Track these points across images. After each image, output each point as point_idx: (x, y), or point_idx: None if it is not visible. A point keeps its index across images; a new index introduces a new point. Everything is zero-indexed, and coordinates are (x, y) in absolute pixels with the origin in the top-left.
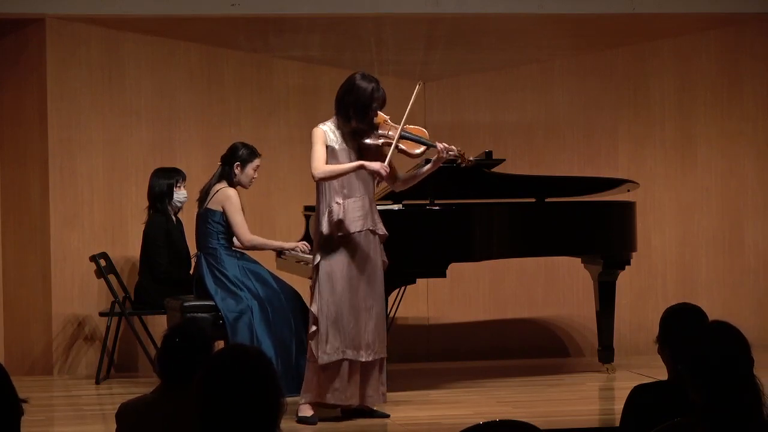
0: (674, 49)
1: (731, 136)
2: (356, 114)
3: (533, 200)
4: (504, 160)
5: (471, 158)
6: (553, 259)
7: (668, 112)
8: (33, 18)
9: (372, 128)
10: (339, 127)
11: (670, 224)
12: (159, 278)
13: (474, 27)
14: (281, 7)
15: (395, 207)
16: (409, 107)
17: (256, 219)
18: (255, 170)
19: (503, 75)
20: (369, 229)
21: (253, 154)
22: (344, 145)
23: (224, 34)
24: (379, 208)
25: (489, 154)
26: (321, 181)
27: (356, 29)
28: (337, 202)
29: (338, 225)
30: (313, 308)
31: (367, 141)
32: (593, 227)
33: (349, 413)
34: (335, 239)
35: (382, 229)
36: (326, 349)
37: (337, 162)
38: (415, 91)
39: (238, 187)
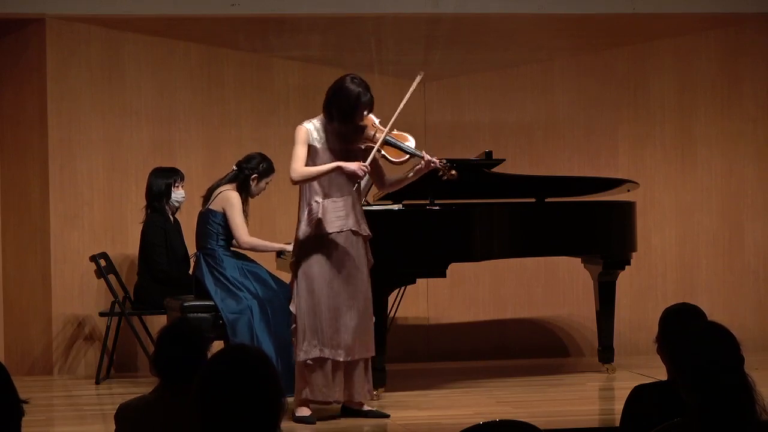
0: (674, 49)
1: (731, 136)
2: (341, 116)
3: (533, 200)
4: (504, 160)
5: (454, 172)
6: (553, 259)
7: (668, 112)
8: (33, 18)
9: (357, 131)
10: (324, 126)
11: (670, 224)
12: (158, 278)
13: (474, 27)
14: (281, 7)
15: (395, 207)
16: (405, 100)
17: (256, 219)
18: (267, 184)
19: (503, 75)
20: (351, 230)
21: (271, 169)
22: (327, 144)
23: (224, 34)
24: (379, 208)
25: (489, 154)
26: (297, 183)
27: (356, 29)
28: (316, 201)
29: (317, 224)
30: (292, 307)
31: (352, 143)
32: (593, 227)
33: (349, 412)
34: (314, 239)
35: (365, 230)
36: (303, 347)
37: (318, 161)
38: (415, 81)
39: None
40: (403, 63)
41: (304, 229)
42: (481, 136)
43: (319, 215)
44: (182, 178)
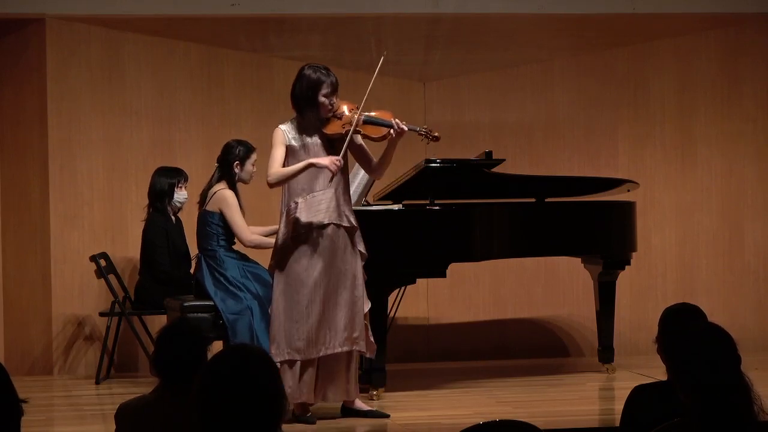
0: (674, 49)
1: (731, 136)
2: (306, 104)
3: (533, 200)
4: (504, 160)
5: (437, 134)
6: (553, 259)
7: (668, 112)
8: (33, 18)
9: (334, 119)
10: (298, 122)
11: (670, 224)
12: (159, 278)
13: (474, 27)
14: (281, 7)
15: (395, 207)
16: (372, 82)
17: (256, 219)
18: (253, 165)
19: (503, 75)
20: (333, 223)
21: (249, 150)
22: (305, 140)
23: (224, 34)
24: (379, 208)
25: (489, 154)
26: (274, 186)
27: (356, 29)
28: (294, 202)
29: (295, 224)
30: (270, 310)
31: (331, 131)
32: (593, 227)
33: (349, 413)
34: (292, 240)
35: (348, 221)
36: (272, 349)
37: (301, 158)
38: (380, 63)
39: (239, 184)
40: (403, 63)
41: (282, 231)
42: (481, 136)
43: (296, 215)
44: (186, 179)
